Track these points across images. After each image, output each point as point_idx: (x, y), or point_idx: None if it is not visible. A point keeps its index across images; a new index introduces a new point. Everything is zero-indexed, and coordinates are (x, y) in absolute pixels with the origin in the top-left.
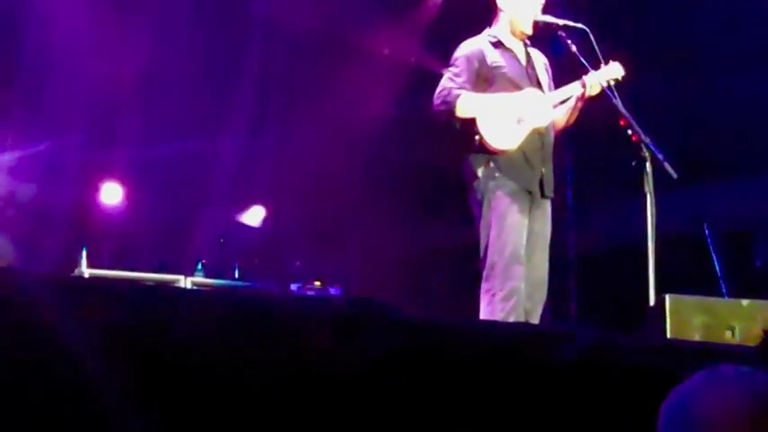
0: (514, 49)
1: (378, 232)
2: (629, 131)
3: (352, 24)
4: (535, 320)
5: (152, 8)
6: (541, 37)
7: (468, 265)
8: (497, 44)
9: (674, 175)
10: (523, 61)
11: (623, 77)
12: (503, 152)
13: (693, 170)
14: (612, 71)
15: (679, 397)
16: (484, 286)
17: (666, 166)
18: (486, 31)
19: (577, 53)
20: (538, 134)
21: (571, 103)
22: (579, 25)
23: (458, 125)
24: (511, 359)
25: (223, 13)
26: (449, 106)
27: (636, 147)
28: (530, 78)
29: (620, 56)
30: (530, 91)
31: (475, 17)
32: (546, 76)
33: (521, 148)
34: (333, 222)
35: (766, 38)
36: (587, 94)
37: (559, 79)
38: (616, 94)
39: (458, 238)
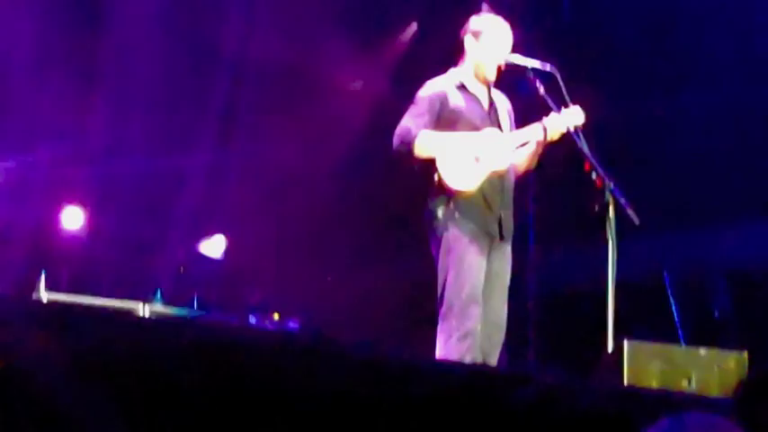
0: (477, 94)
1: (338, 267)
2: (594, 175)
3: (321, 58)
4: (492, 362)
5: (120, 24)
6: (509, 77)
7: (426, 304)
8: (461, 87)
9: (636, 221)
10: (486, 105)
11: (584, 122)
12: (461, 193)
13: (655, 217)
14: (572, 117)
15: None
16: (440, 326)
17: (629, 211)
18: (451, 71)
19: (545, 96)
20: (497, 177)
21: (532, 146)
22: (548, 68)
23: (417, 166)
24: (466, 400)
25: (193, 36)
26: (408, 146)
27: (599, 191)
28: (491, 122)
29: (586, 96)
30: (489, 131)
31: (444, 54)
32: (508, 121)
33: (480, 189)
34: (294, 255)
35: (734, 92)
36: (548, 138)
37: (527, 119)
38: (581, 136)
39: (417, 276)
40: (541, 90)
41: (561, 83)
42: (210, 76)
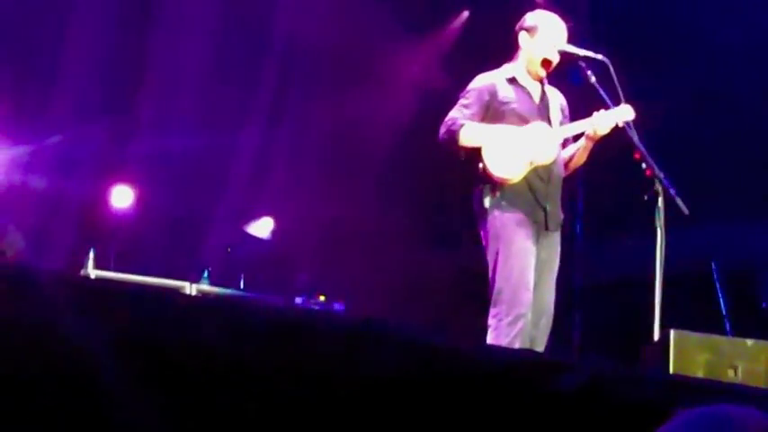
0: (528, 87)
1: (387, 251)
2: (643, 165)
3: (372, 43)
4: (540, 348)
5: (173, 4)
6: (562, 67)
7: (478, 289)
8: (512, 80)
9: (686, 211)
10: (537, 99)
11: (633, 120)
12: (507, 182)
13: (704, 207)
14: (623, 113)
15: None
16: (491, 311)
17: (678, 201)
18: (504, 67)
19: (596, 85)
20: (544, 169)
21: (582, 143)
22: (600, 57)
23: (462, 155)
24: (512, 385)
25: (246, 13)
26: (452, 135)
27: (649, 181)
28: (541, 116)
29: (638, 88)
30: (536, 125)
31: (499, 47)
32: (560, 116)
33: (526, 181)
34: (341, 238)
35: None
36: (597, 133)
37: (578, 109)
38: (632, 127)
39: (467, 263)
40: (592, 79)
41: (613, 73)
42: (261, 56)
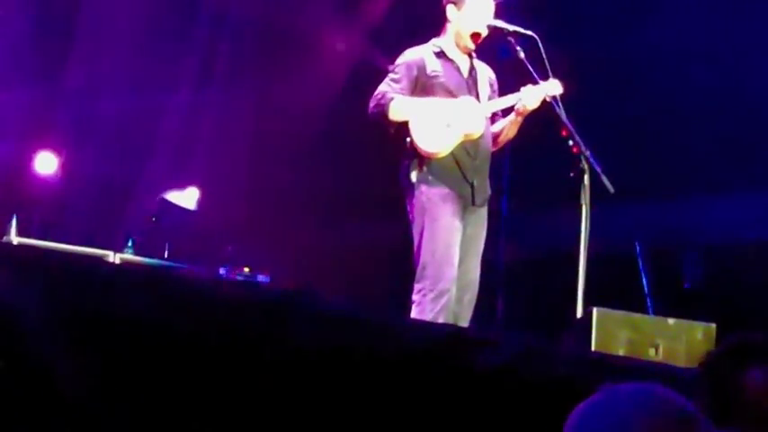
0: (457, 61)
1: (312, 224)
2: (570, 142)
3: (302, 14)
4: (464, 324)
5: None
6: (491, 42)
7: (400, 264)
8: (440, 54)
9: (611, 190)
10: (465, 73)
11: (561, 95)
12: (433, 156)
13: (629, 186)
14: (551, 88)
15: (578, 414)
16: (415, 286)
17: (604, 179)
18: (432, 41)
19: (525, 60)
20: (471, 143)
21: (511, 117)
22: (529, 32)
23: (391, 129)
24: (436, 359)
25: None
26: (382, 109)
27: (575, 158)
28: (469, 90)
29: (564, 66)
30: (464, 98)
31: (427, 21)
32: (488, 90)
33: (453, 155)
34: (267, 210)
35: (711, 59)
36: (526, 108)
37: (507, 85)
38: (560, 103)
39: (392, 236)
40: (521, 54)
41: (542, 49)
42: (190, 23)
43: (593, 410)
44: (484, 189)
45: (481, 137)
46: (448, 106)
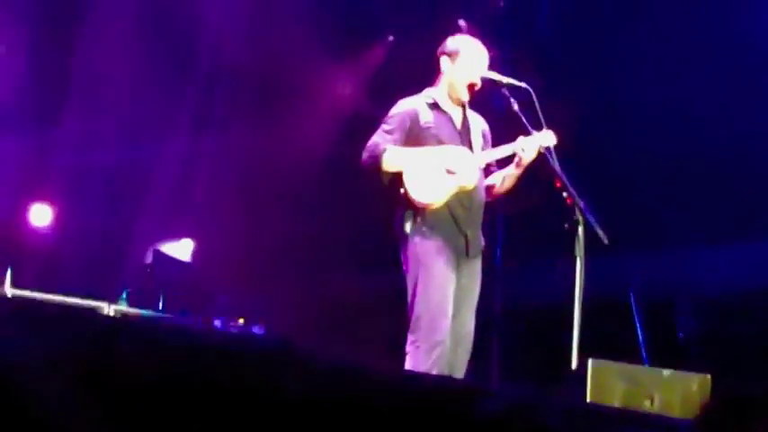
0: (450, 112)
1: (306, 275)
2: (564, 194)
3: (297, 66)
4: (459, 376)
5: (95, 18)
6: (485, 93)
7: (395, 314)
8: (434, 105)
9: (605, 241)
10: (458, 124)
11: (555, 146)
12: (428, 207)
13: (624, 237)
14: (545, 139)
15: None
16: (409, 338)
17: (598, 230)
18: (425, 91)
19: (519, 112)
20: (466, 194)
21: (511, 169)
22: (523, 85)
23: (385, 180)
24: (431, 411)
25: (168, 34)
26: (375, 160)
27: (569, 210)
28: (462, 141)
29: (559, 116)
30: (457, 147)
31: (421, 70)
32: (481, 141)
33: (447, 206)
34: (262, 261)
35: (703, 107)
36: (523, 159)
37: (501, 137)
38: (554, 155)
39: (387, 287)
40: (515, 107)
41: (536, 101)
42: (184, 76)
43: None
44: (477, 240)
45: (475, 188)
46: (441, 156)
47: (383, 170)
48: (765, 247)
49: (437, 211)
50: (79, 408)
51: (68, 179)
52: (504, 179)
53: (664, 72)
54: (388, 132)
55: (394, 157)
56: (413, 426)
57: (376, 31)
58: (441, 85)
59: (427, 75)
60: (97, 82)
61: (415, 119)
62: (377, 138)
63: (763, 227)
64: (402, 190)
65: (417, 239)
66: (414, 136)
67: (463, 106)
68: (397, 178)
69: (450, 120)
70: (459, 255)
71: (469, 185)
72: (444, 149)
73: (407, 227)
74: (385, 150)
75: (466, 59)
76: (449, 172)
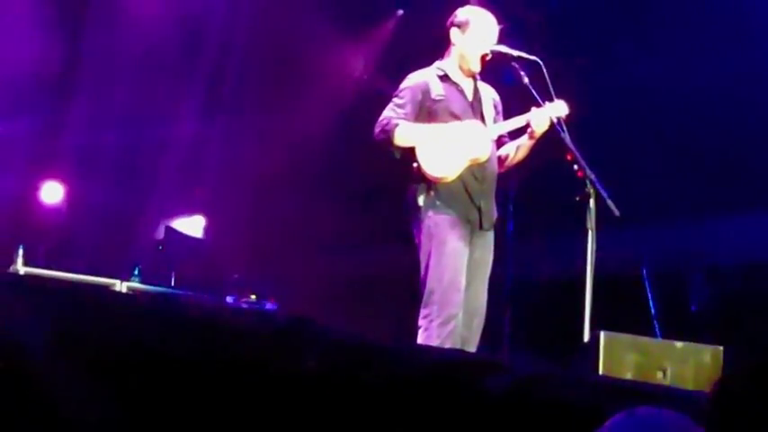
0: (461, 84)
1: (318, 250)
2: (575, 167)
3: (307, 41)
4: (471, 349)
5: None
6: (495, 67)
7: (408, 290)
8: (444, 77)
9: (617, 213)
10: (470, 96)
11: (567, 116)
12: (441, 181)
13: (635, 210)
14: (557, 109)
15: None
16: (422, 312)
17: (609, 203)
18: (436, 64)
19: (529, 86)
20: (478, 167)
21: (523, 140)
22: (533, 58)
23: (397, 154)
24: (444, 385)
25: (180, 9)
26: (387, 134)
27: (580, 182)
28: (474, 113)
29: (569, 90)
30: (470, 122)
31: (431, 44)
32: (492, 112)
33: (461, 179)
34: (273, 237)
35: (713, 79)
36: (536, 131)
37: (512, 109)
38: (564, 128)
39: (398, 262)
40: (525, 80)
41: (546, 74)
42: (195, 51)
43: None
44: (491, 213)
45: (488, 160)
46: (454, 130)
47: (395, 145)
48: None
49: (450, 184)
50: (89, 384)
51: (80, 157)
52: (516, 150)
53: (678, 43)
54: (399, 106)
55: (406, 132)
56: (426, 400)
57: (385, 6)
58: (451, 57)
59: (437, 48)
60: (107, 62)
61: (426, 92)
62: (389, 112)
63: None
64: (415, 164)
65: (431, 213)
66: (425, 109)
67: (474, 78)
68: (409, 153)
69: (462, 92)
70: (473, 228)
71: (483, 158)
72: (457, 123)
73: (421, 200)
74: (397, 125)
75: (476, 30)
76: (462, 145)
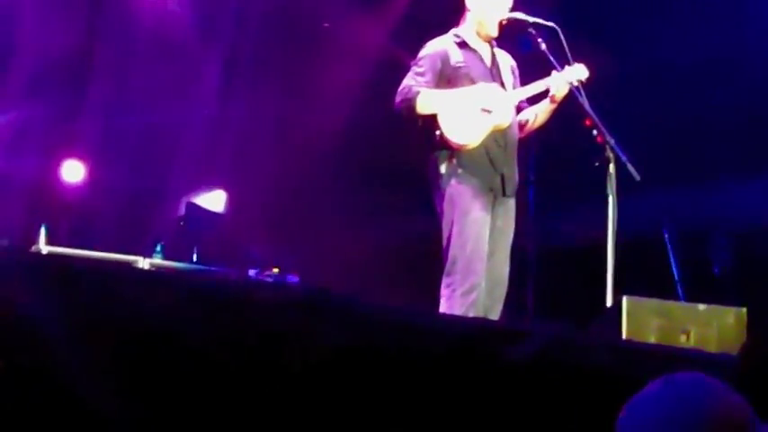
0: (479, 50)
1: (339, 222)
2: (594, 132)
3: (324, 14)
4: (494, 317)
5: None
6: (511, 34)
7: (430, 260)
8: (462, 44)
9: (637, 177)
10: (488, 62)
11: (588, 79)
12: (464, 148)
13: (655, 173)
14: (577, 72)
15: (638, 405)
16: (445, 281)
17: (630, 167)
18: (452, 31)
19: (547, 52)
20: (500, 133)
21: (544, 105)
22: (550, 24)
23: (420, 122)
24: (468, 354)
25: None
26: (409, 103)
27: (600, 147)
28: (494, 79)
29: (588, 55)
30: (490, 86)
31: (446, 13)
32: (511, 78)
33: (483, 145)
34: (294, 210)
35: (729, 47)
36: (556, 95)
37: (528, 77)
38: (583, 93)
39: (422, 232)
40: (543, 46)
41: (563, 39)
42: (213, 30)
43: (655, 402)
44: (513, 179)
45: (509, 126)
46: (476, 95)
47: (417, 113)
48: None
49: (472, 151)
50: (110, 363)
51: (100, 136)
52: (536, 115)
53: (698, 7)
54: (419, 74)
55: (428, 100)
56: (450, 369)
57: None
58: (467, 23)
59: (454, 16)
60: (127, 43)
61: (445, 59)
62: (409, 80)
63: None
64: (438, 132)
65: (453, 181)
66: (446, 76)
67: (491, 44)
68: (430, 120)
69: (480, 58)
70: (495, 195)
71: (505, 123)
72: (478, 89)
73: (443, 168)
74: (419, 93)
75: None
76: (484, 111)
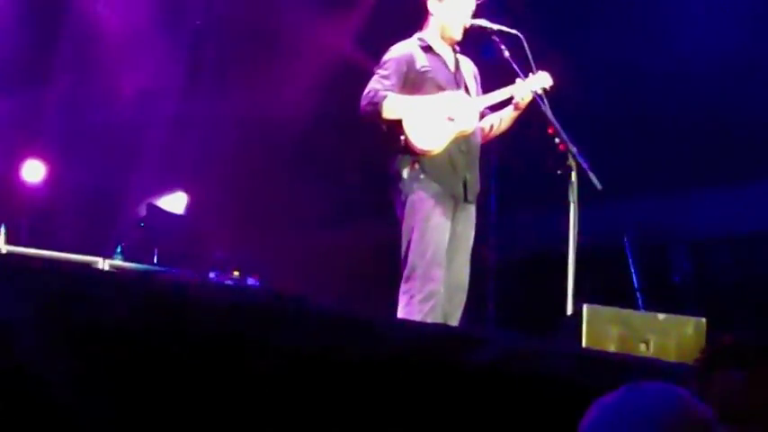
0: (443, 55)
1: (300, 226)
2: (557, 140)
3: (286, 17)
4: (454, 323)
5: None
6: (474, 41)
7: (391, 264)
8: (427, 48)
9: (599, 186)
10: (452, 67)
11: (551, 87)
12: (428, 154)
13: (617, 182)
14: (541, 80)
15: (602, 410)
16: (403, 287)
17: (591, 176)
18: (417, 35)
19: (510, 59)
20: (464, 139)
21: (507, 112)
22: (513, 31)
23: (384, 127)
24: (426, 359)
25: None
26: (375, 107)
27: (562, 156)
28: (458, 84)
29: (551, 64)
30: (456, 93)
31: (408, 18)
32: (474, 84)
33: (446, 151)
34: (256, 213)
35: (698, 52)
36: (519, 102)
37: (490, 84)
38: (546, 101)
39: (380, 237)
40: (506, 53)
41: (527, 47)
42: (176, 29)
43: (619, 408)
44: (475, 184)
45: (472, 133)
46: (441, 102)
47: (383, 117)
48: (760, 190)
49: (435, 157)
50: (68, 363)
51: (61, 136)
52: (500, 121)
53: (660, 16)
54: (384, 78)
55: (394, 105)
56: (409, 374)
57: None
58: (431, 28)
59: (417, 20)
60: (89, 40)
61: (411, 63)
62: (374, 84)
63: (758, 169)
64: (402, 137)
65: (414, 186)
66: (410, 80)
67: (454, 49)
68: (395, 125)
69: (445, 62)
70: (457, 200)
71: (469, 130)
72: (444, 96)
73: (405, 173)
74: (385, 97)
75: None
76: (449, 118)
